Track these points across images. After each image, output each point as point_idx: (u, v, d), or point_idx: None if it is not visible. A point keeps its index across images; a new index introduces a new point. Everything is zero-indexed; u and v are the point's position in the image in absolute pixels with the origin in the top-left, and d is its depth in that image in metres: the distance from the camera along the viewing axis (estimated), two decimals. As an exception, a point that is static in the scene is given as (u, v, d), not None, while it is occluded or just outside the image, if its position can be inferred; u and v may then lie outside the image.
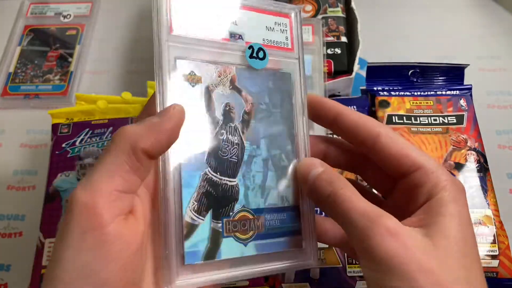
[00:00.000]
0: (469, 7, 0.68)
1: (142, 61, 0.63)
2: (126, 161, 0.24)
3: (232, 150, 0.28)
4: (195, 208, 0.26)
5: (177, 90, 0.26)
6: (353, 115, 0.29)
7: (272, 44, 0.30)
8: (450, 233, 0.24)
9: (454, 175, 0.44)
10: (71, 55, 0.62)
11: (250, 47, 0.29)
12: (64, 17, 0.66)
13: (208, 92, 0.27)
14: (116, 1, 0.69)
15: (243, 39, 0.29)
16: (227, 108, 0.28)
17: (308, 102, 0.30)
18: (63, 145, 0.47)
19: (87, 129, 0.47)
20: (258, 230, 0.28)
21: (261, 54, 0.29)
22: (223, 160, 0.27)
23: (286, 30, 0.30)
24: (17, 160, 0.54)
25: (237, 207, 0.27)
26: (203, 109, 0.27)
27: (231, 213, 0.27)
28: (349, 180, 0.28)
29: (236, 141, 0.28)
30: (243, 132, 0.28)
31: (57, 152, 0.47)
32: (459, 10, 0.68)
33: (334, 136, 0.32)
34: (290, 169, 0.29)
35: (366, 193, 0.29)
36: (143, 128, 0.24)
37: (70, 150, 0.47)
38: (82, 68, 0.62)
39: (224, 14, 0.28)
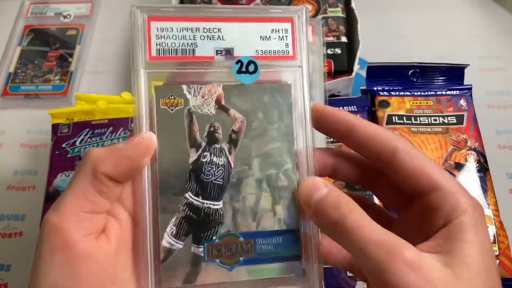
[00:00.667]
0: (469, 7, 0.68)
1: (142, 61, 0.63)
2: (90, 183, 0.24)
3: (216, 173, 0.27)
4: (173, 233, 0.26)
5: (154, 116, 0.26)
6: (368, 127, 0.27)
7: (268, 55, 0.28)
8: (472, 263, 0.22)
9: (454, 175, 0.44)
10: (71, 55, 0.62)
11: (238, 61, 0.27)
12: (64, 17, 0.66)
13: (190, 115, 0.27)
14: (116, 1, 0.69)
15: (231, 54, 0.27)
16: (212, 129, 0.27)
17: (316, 113, 0.28)
18: (63, 145, 0.47)
19: (87, 129, 0.47)
20: (247, 254, 0.27)
21: (251, 68, 0.27)
22: (206, 183, 0.27)
23: (286, 36, 0.28)
24: (17, 160, 0.54)
25: (222, 231, 0.27)
26: (183, 133, 0.26)
27: (214, 237, 0.26)
28: (354, 196, 0.26)
29: (222, 163, 0.27)
30: (230, 153, 0.27)
31: (57, 152, 0.47)
32: (459, 10, 0.68)
33: (343, 147, 0.30)
34: (289, 189, 0.28)
35: (374, 211, 0.28)
36: (106, 152, 0.25)
37: (70, 150, 0.47)
38: (82, 68, 0.62)
39: (209, 31, 0.27)
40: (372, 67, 0.50)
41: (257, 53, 0.27)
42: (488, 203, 0.43)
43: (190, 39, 0.27)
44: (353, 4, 0.58)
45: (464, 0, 0.69)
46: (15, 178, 0.53)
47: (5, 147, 0.55)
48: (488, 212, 0.43)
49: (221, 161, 0.27)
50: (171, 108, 0.26)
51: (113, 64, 0.63)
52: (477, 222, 0.24)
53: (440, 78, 0.51)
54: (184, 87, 0.27)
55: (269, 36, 0.28)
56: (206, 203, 0.27)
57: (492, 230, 0.42)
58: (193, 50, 0.27)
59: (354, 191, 0.43)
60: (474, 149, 0.46)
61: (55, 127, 0.48)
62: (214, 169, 0.27)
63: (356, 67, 0.52)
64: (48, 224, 0.24)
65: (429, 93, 0.49)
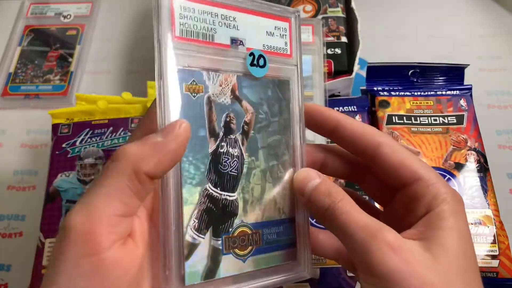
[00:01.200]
0: (469, 7, 0.68)
1: (142, 61, 0.63)
2: (128, 185, 0.22)
3: (232, 164, 0.27)
4: (196, 226, 0.25)
5: (179, 102, 0.25)
6: (353, 124, 0.29)
7: (272, 50, 0.29)
8: (450, 247, 0.24)
9: (454, 175, 0.44)
10: (71, 55, 0.62)
11: (251, 54, 0.27)
12: (64, 17, 0.66)
13: (210, 102, 0.26)
14: (116, 1, 0.69)
15: (244, 45, 0.27)
16: (228, 119, 0.27)
17: (306, 111, 0.30)
18: (63, 145, 0.47)
19: (87, 129, 0.47)
20: (256, 245, 0.27)
21: (261, 62, 0.28)
22: (223, 174, 0.26)
23: (285, 35, 0.29)
24: (18, 160, 0.54)
25: (237, 222, 0.27)
26: (204, 121, 0.26)
27: (230, 229, 0.27)
28: (346, 190, 0.27)
29: (236, 154, 0.27)
30: (242, 144, 0.27)
31: (57, 152, 0.47)
32: (459, 10, 0.68)
33: (333, 144, 0.31)
34: (286, 180, 0.29)
35: (362, 204, 0.29)
36: (146, 149, 0.23)
37: (70, 150, 0.47)
38: (82, 68, 0.62)
39: (226, 18, 0.27)
40: (372, 67, 0.50)
41: (264, 47, 0.28)
42: (488, 203, 0.43)
43: (210, 24, 0.26)
44: (353, 4, 0.58)
45: (464, 0, 0.69)
46: (15, 178, 0.53)
47: (5, 147, 0.55)
48: (488, 212, 0.43)
49: (235, 152, 0.27)
50: (193, 94, 0.26)
51: (113, 64, 0.63)
52: (456, 210, 0.25)
53: (440, 78, 0.51)
54: (204, 73, 0.26)
55: (273, 33, 0.29)
56: (224, 195, 0.27)
57: (492, 230, 0.42)
58: (212, 36, 0.26)
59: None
60: (474, 149, 0.46)
61: (55, 127, 0.48)
62: (230, 160, 0.27)
63: (356, 67, 0.52)
64: (75, 228, 0.21)
65: (429, 93, 0.49)
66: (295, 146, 0.29)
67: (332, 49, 0.55)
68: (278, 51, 0.29)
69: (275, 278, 0.28)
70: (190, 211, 0.25)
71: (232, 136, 0.27)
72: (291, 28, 0.29)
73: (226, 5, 0.27)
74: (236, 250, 0.27)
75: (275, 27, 0.29)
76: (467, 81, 0.50)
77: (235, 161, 0.27)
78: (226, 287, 0.26)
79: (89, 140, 0.47)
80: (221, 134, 0.27)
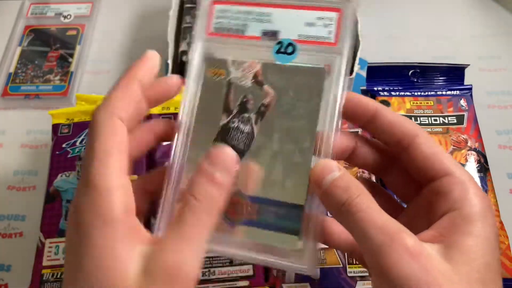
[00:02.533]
0: (469, 7, 0.68)
1: (142, 61, 0.63)
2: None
3: (240, 138, 0.29)
4: None
5: (200, 81, 0.30)
6: (392, 113, 0.28)
7: (309, 39, 0.29)
8: (474, 258, 0.22)
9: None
10: (71, 55, 0.62)
11: (279, 42, 0.29)
12: (65, 17, 0.66)
13: (229, 85, 0.29)
14: (116, 2, 0.69)
15: (276, 36, 0.29)
16: (244, 100, 0.29)
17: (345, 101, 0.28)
18: (64, 145, 0.47)
19: (88, 129, 0.47)
20: (250, 216, 0.28)
21: (289, 49, 0.29)
22: (230, 145, 0.27)
23: (331, 24, 0.29)
24: (18, 160, 0.54)
25: (233, 190, 0.27)
26: (219, 99, 0.29)
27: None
28: (367, 182, 0.27)
29: (247, 130, 0.29)
30: (256, 123, 0.29)
31: (57, 153, 0.47)
32: (459, 10, 0.68)
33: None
34: (303, 167, 0.28)
35: (384, 197, 0.29)
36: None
37: (71, 151, 0.47)
38: (82, 68, 0.62)
39: (261, 15, 0.30)
40: (372, 67, 0.50)
41: (299, 37, 0.29)
42: (488, 203, 0.43)
43: (242, 21, 0.30)
44: (353, 4, 0.58)
45: (464, 0, 0.69)
46: (15, 178, 0.53)
47: (5, 147, 0.55)
48: (489, 212, 0.43)
49: (246, 129, 0.29)
50: (214, 77, 0.30)
51: (113, 64, 0.63)
52: (485, 215, 0.23)
53: (440, 78, 0.51)
54: (229, 60, 0.30)
55: (314, 23, 0.29)
56: None
57: (492, 230, 0.42)
58: (243, 30, 0.30)
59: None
60: (474, 149, 0.46)
61: (55, 127, 0.48)
62: (238, 135, 0.29)
63: (356, 67, 0.52)
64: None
65: (429, 93, 0.50)
66: (321, 135, 0.28)
67: (332, 49, 0.55)
68: (318, 40, 0.29)
69: (271, 258, 0.27)
70: (191, 169, 0.28)
71: (246, 115, 0.29)
72: (341, 17, 0.29)
73: (264, 3, 0.30)
74: (227, 214, 0.27)
75: (318, 17, 0.29)
76: (467, 81, 0.50)
77: (244, 137, 0.29)
78: (214, 244, 0.27)
79: (89, 140, 0.47)
80: (234, 111, 0.29)
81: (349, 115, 0.29)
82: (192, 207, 0.24)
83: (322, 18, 0.29)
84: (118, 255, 0.22)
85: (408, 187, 0.28)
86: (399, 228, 0.23)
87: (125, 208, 0.23)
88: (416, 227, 0.23)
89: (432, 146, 0.27)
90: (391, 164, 0.29)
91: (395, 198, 0.31)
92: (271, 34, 0.29)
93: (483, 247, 0.23)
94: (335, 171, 0.25)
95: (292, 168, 0.28)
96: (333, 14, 0.29)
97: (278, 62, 0.29)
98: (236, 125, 0.29)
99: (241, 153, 0.29)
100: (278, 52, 0.29)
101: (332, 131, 0.28)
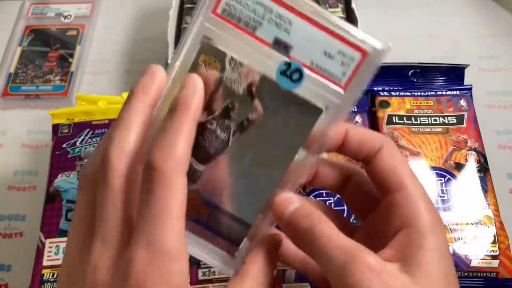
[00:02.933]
0: (469, 7, 0.68)
1: (142, 61, 0.63)
2: None
3: (213, 142, 0.27)
4: None
5: (189, 65, 0.26)
6: (360, 130, 0.28)
7: (321, 72, 0.25)
8: (431, 270, 0.24)
9: (454, 175, 0.44)
10: (71, 55, 0.62)
11: (287, 64, 0.25)
12: (65, 17, 0.66)
13: (219, 82, 0.26)
14: (116, 2, 0.69)
15: (287, 52, 0.25)
16: (230, 106, 0.27)
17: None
18: (64, 146, 0.47)
19: (88, 130, 0.48)
20: (199, 216, 0.27)
21: (295, 76, 0.25)
22: (200, 146, 0.27)
23: (349, 64, 0.25)
24: (18, 160, 0.54)
25: (192, 188, 0.26)
26: (198, 75, 0.25)
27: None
28: (320, 205, 0.28)
29: (222, 137, 0.27)
30: (233, 134, 0.27)
31: (57, 153, 0.47)
32: (459, 10, 0.68)
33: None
34: (264, 192, 0.27)
35: (338, 218, 0.29)
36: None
37: (71, 151, 0.47)
38: (82, 68, 0.62)
39: (280, 18, 0.25)
40: (372, 67, 0.50)
41: (311, 65, 0.25)
42: (488, 203, 0.43)
43: (258, 16, 0.25)
44: (353, 5, 0.58)
45: (464, 0, 0.69)
46: (15, 178, 0.53)
47: (5, 147, 0.55)
48: (489, 212, 0.43)
49: (222, 135, 0.27)
50: (206, 67, 0.26)
51: (113, 64, 0.63)
52: (435, 228, 0.25)
53: (440, 78, 0.51)
54: (228, 56, 0.26)
55: (333, 55, 0.25)
56: (192, 159, 0.27)
57: (492, 230, 0.42)
58: (255, 27, 0.25)
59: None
60: (474, 149, 0.46)
61: (55, 128, 0.48)
62: (213, 138, 0.27)
63: (356, 67, 0.52)
64: None
65: (429, 93, 0.49)
66: (292, 171, 0.27)
67: (332, 49, 0.55)
68: (329, 76, 0.25)
69: (207, 255, 0.28)
70: None
71: (227, 122, 0.27)
72: (361, 64, 0.25)
73: (288, 5, 0.25)
74: None
75: (339, 51, 0.25)
76: (467, 81, 0.50)
77: (218, 142, 0.27)
78: None
79: (89, 140, 0.47)
80: (216, 113, 0.27)
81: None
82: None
83: (343, 54, 0.25)
84: None
85: (365, 201, 0.29)
86: (360, 248, 0.24)
87: (187, 276, 0.23)
88: (373, 243, 0.25)
89: (392, 158, 0.27)
90: (347, 180, 0.30)
91: (348, 218, 0.32)
92: (283, 47, 0.25)
93: (438, 259, 0.24)
94: (296, 202, 0.26)
95: (253, 190, 0.28)
96: (355, 54, 0.25)
97: (277, 82, 0.26)
98: (213, 128, 0.27)
99: (208, 155, 0.27)
100: (282, 73, 0.25)
101: (305, 173, 0.28)
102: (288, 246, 0.29)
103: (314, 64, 0.25)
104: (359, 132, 0.28)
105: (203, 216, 0.28)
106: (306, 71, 0.25)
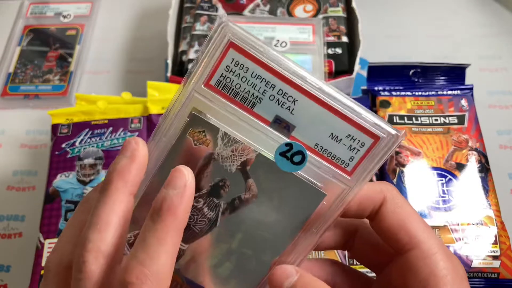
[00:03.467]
0: (470, 7, 0.68)
1: (142, 61, 0.63)
2: None
3: (199, 221, 0.25)
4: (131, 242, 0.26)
5: (176, 142, 0.24)
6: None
7: (326, 155, 0.23)
8: None
9: (455, 175, 0.44)
10: (71, 55, 0.62)
11: (289, 144, 0.23)
12: (64, 17, 0.66)
13: (210, 159, 0.24)
14: (116, 1, 0.69)
15: (289, 131, 0.23)
16: (221, 184, 0.24)
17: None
18: (63, 146, 0.47)
19: (87, 130, 0.47)
20: None
21: (297, 158, 0.23)
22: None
23: (358, 150, 0.23)
24: (17, 160, 0.54)
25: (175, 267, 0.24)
26: (191, 170, 0.22)
27: None
28: (334, 266, 0.26)
29: (210, 216, 0.25)
30: (223, 213, 0.25)
31: (56, 153, 0.46)
32: (460, 9, 0.68)
33: None
34: (253, 274, 0.26)
35: (351, 273, 0.27)
36: None
37: (70, 151, 0.46)
38: (82, 68, 0.61)
39: (283, 96, 0.22)
40: (373, 67, 0.50)
41: (315, 147, 0.23)
42: (489, 204, 0.43)
43: (258, 92, 0.23)
44: (353, 4, 0.57)
45: (465, 0, 0.69)
46: (14, 178, 0.52)
47: (5, 147, 0.55)
48: (490, 212, 0.42)
49: (210, 215, 0.25)
50: (195, 142, 0.24)
51: (113, 64, 0.63)
52: (461, 285, 0.23)
53: (441, 78, 0.50)
54: (221, 132, 0.23)
55: (341, 139, 0.23)
56: None
57: (493, 230, 0.42)
58: (254, 104, 0.23)
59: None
60: (475, 149, 0.45)
61: (54, 128, 0.48)
62: (199, 217, 0.25)
63: (357, 67, 0.52)
64: None
65: (430, 93, 0.49)
66: (285, 258, 0.25)
67: (333, 49, 0.55)
68: (335, 161, 0.23)
69: None
70: (133, 229, 0.25)
71: (215, 200, 0.25)
72: (371, 150, 0.23)
73: (295, 84, 0.22)
74: None
75: (349, 135, 0.23)
76: (468, 81, 0.50)
77: (204, 221, 0.25)
78: None
79: (88, 140, 0.47)
80: (204, 190, 0.24)
81: None
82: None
83: (353, 139, 0.23)
84: None
85: (376, 255, 0.27)
86: None
87: None
88: None
89: (399, 212, 0.24)
90: (353, 235, 0.28)
91: (360, 272, 0.29)
92: (285, 126, 0.23)
93: None
94: (293, 276, 0.24)
95: (240, 272, 0.26)
96: (367, 140, 0.23)
97: (275, 163, 0.23)
98: (200, 206, 0.25)
99: (193, 235, 0.25)
100: (282, 154, 0.23)
101: (301, 259, 0.26)
102: None
103: (318, 147, 0.23)
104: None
105: None
106: (309, 154, 0.23)
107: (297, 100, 0.22)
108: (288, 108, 0.23)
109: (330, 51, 0.54)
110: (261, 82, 0.22)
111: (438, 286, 0.22)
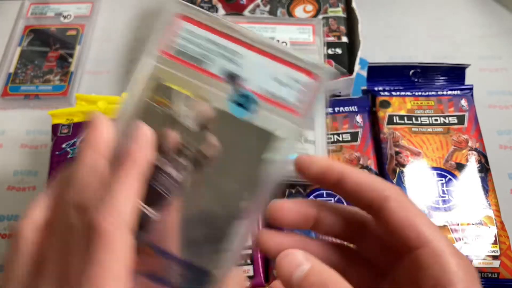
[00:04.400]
0: (469, 7, 0.68)
1: (142, 62, 0.63)
2: None
3: (168, 184, 0.25)
4: None
5: (139, 107, 0.26)
6: (358, 175, 0.26)
7: (274, 99, 0.25)
8: None
9: (455, 175, 0.44)
10: (71, 55, 0.62)
11: (239, 91, 0.25)
12: (65, 17, 0.66)
13: (172, 121, 0.26)
14: (116, 2, 0.69)
15: (239, 82, 0.26)
16: (184, 144, 0.26)
17: (303, 164, 0.27)
18: (63, 146, 0.47)
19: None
20: (154, 271, 0.25)
21: (247, 103, 0.25)
22: (154, 190, 0.25)
23: (301, 90, 0.25)
24: (18, 160, 0.54)
25: (145, 239, 0.25)
26: (153, 133, 0.25)
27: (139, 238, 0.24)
28: (341, 247, 0.26)
29: (178, 178, 0.25)
30: (190, 174, 0.26)
31: (57, 153, 0.46)
32: (460, 10, 0.68)
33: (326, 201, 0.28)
34: (224, 231, 0.25)
35: (361, 263, 0.27)
36: None
37: (70, 151, 0.46)
38: (82, 68, 0.61)
39: (230, 52, 0.26)
40: (373, 67, 0.50)
41: (264, 93, 0.26)
42: (489, 204, 0.43)
43: (208, 51, 0.26)
44: (353, 4, 0.57)
45: (465, 0, 0.69)
46: (15, 178, 0.52)
47: (5, 147, 0.55)
48: (490, 212, 0.42)
49: (177, 176, 0.26)
50: (158, 107, 0.26)
51: (113, 64, 0.63)
52: (473, 284, 0.22)
53: (441, 78, 0.51)
54: (180, 93, 0.26)
55: (284, 82, 0.25)
56: (146, 208, 0.25)
57: (493, 230, 0.42)
58: (207, 64, 0.26)
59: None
60: (475, 149, 0.46)
61: (55, 128, 0.48)
62: (166, 180, 0.25)
63: (357, 67, 0.52)
64: None
65: (430, 93, 0.49)
66: (251, 204, 0.26)
67: (333, 49, 0.55)
68: (282, 103, 0.26)
69: None
70: None
71: (181, 161, 0.26)
72: (311, 85, 0.25)
73: (238, 40, 0.26)
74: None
75: (288, 76, 0.25)
76: (468, 81, 0.50)
77: (172, 184, 0.25)
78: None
79: (89, 140, 0.47)
80: (170, 152, 0.25)
81: (314, 179, 0.27)
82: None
83: (292, 79, 0.25)
84: None
85: (385, 255, 0.26)
86: None
87: None
88: None
89: (404, 210, 0.24)
90: (362, 230, 0.27)
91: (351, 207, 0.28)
92: (235, 79, 0.26)
93: None
94: (303, 264, 0.22)
95: (211, 233, 0.26)
96: (306, 80, 0.25)
97: (231, 113, 0.25)
98: (167, 170, 0.25)
99: (163, 201, 0.25)
100: (235, 102, 0.25)
101: (264, 205, 0.26)
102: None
103: (266, 92, 0.26)
104: (357, 177, 0.26)
105: (159, 270, 0.25)
106: (259, 99, 0.25)
107: (243, 55, 0.26)
108: (237, 63, 0.26)
109: (330, 51, 0.55)
110: (209, 43, 0.26)
111: (451, 282, 0.22)
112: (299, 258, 0.23)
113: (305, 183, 0.39)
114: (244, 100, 0.26)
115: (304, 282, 0.22)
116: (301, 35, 0.55)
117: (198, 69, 0.26)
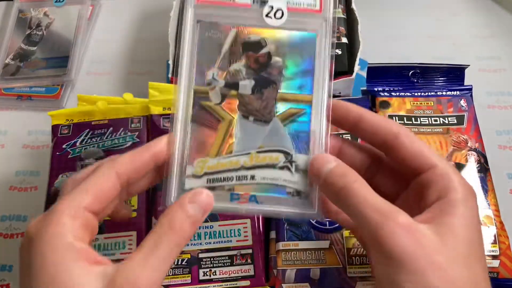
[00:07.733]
0: (469, 8, 0.68)
1: (143, 63, 0.63)
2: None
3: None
4: None
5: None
6: (375, 117, 0.30)
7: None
8: (458, 233, 0.25)
9: (454, 175, 0.44)
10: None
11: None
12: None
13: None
14: (116, 2, 0.70)
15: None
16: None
17: (331, 107, 0.31)
18: (64, 146, 0.47)
19: (88, 130, 0.48)
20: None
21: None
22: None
23: None
24: (19, 161, 0.54)
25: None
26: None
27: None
28: (370, 152, 0.30)
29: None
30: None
31: (57, 153, 0.47)
32: (459, 10, 0.68)
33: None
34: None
35: (388, 169, 0.31)
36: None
37: (71, 151, 0.47)
38: (77, 70, 0.61)
39: None
40: (372, 68, 0.50)
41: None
42: (488, 204, 0.43)
43: None
44: (353, 5, 0.58)
45: (464, 0, 0.69)
46: (17, 178, 0.53)
47: (7, 147, 0.56)
48: (489, 212, 0.43)
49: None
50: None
51: (114, 65, 0.63)
52: (466, 199, 0.27)
53: (440, 78, 0.51)
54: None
55: None
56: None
57: (492, 230, 0.42)
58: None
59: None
60: (475, 150, 0.46)
61: (55, 128, 0.48)
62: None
63: (356, 67, 0.52)
64: None
65: (429, 93, 0.50)
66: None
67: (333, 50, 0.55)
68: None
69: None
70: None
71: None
72: None
73: None
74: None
75: None
76: (467, 81, 0.50)
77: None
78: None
79: (89, 140, 0.47)
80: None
81: (336, 120, 0.31)
82: (164, 233, 0.26)
83: None
84: (73, 274, 0.25)
85: (396, 183, 0.31)
86: (393, 208, 0.26)
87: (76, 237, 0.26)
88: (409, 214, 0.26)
89: (414, 143, 0.29)
90: (377, 164, 0.32)
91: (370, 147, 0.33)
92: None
93: (466, 225, 0.26)
94: (332, 162, 0.28)
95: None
96: None
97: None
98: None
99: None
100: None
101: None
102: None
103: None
104: (374, 118, 0.30)
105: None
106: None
107: None
108: None
109: (330, 52, 0.55)
110: None
111: (452, 194, 0.26)
112: (329, 158, 0.29)
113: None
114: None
115: (330, 173, 0.28)
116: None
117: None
